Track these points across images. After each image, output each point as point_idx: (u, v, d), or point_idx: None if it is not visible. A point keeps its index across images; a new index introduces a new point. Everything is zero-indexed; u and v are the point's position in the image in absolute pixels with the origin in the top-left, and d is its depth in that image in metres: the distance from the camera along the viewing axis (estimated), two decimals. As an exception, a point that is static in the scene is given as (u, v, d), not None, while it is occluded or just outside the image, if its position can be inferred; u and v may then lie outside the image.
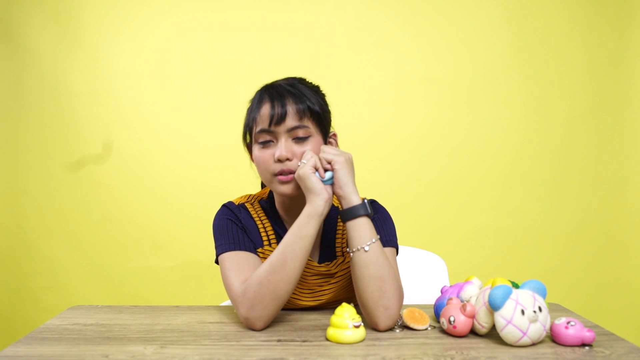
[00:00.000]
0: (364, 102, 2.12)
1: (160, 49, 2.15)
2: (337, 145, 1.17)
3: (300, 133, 1.07)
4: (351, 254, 1.02)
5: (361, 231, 1.01)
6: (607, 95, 2.20)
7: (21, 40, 2.13)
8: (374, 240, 1.01)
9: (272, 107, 1.06)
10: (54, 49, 2.13)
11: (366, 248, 1.00)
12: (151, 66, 2.15)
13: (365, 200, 1.03)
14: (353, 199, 1.02)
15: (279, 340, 0.96)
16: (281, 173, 1.06)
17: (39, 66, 2.13)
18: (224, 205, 1.20)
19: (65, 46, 2.13)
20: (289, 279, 1.01)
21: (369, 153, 2.12)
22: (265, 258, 1.15)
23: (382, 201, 1.24)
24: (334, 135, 1.17)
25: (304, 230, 1.01)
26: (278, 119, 1.05)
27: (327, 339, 0.96)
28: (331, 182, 1.04)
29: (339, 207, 1.03)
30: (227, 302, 1.35)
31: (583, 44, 2.18)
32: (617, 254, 2.23)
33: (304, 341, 0.96)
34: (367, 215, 1.03)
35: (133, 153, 2.16)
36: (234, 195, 1.24)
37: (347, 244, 1.03)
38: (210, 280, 2.05)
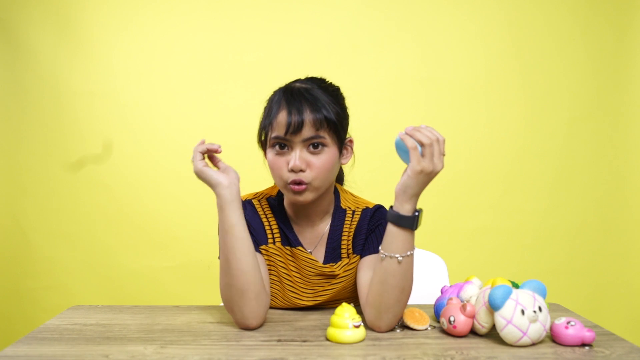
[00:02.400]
0: (364, 102, 2.12)
1: (160, 49, 2.15)
2: (352, 151, 1.17)
3: (316, 142, 1.06)
4: (382, 256, 0.99)
5: (400, 241, 0.97)
6: (607, 95, 2.20)
7: (21, 40, 2.13)
8: (409, 253, 0.98)
9: (289, 114, 1.04)
10: (54, 49, 2.13)
11: (399, 259, 0.97)
12: (151, 66, 2.15)
13: (417, 213, 0.97)
14: (409, 208, 0.96)
15: (279, 340, 0.96)
16: (294, 183, 1.06)
17: (39, 66, 2.13)
18: None
19: (65, 46, 2.13)
20: (243, 272, 1.00)
21: (368, 153, 2.10)
22: (268, 255, 1.15)
23: (382, 201, 1.24)
24: (350, 141, 1.16)
25: (226, 223, 1.00)
26: (295, 129, 1.03)
27: (327, 339, 0.96)
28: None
29: (386, 206, 1.00)
30: (227, 302, 1.35)
31: (583, 44, 2.18)
32: (617, 254, 2.23)
33: (304, 341, 0.96)
34: (414, 229, 0.98)
35: (133, 153, 2.16)
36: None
37: (381, 243, 1.00)
38: (210, 280, 2.04)
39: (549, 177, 2.21)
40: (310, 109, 1.05)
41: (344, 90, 1.17)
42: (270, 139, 1.08)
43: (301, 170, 1.05)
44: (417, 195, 0.96)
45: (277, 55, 2.15)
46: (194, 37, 2.15)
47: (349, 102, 1.18)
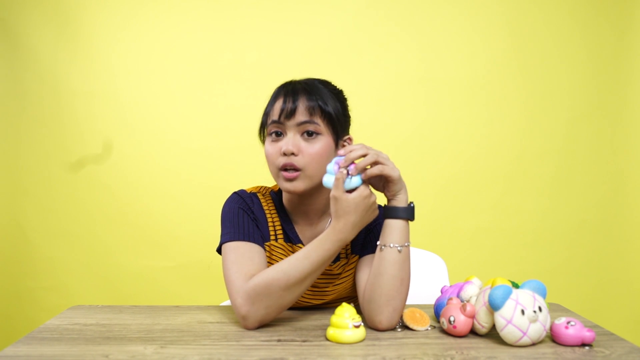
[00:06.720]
0: (364, 102, 2.12)
1: (160, 48, 2.15)
2: None
3: (310, 128, 1.07)
4: (382, 248, 1.02)
5: (400, 232, 1.02)
6: (607, 95, 2.20)
7: (21, 40, 2.13)
8: (406, 244, 1.02)
9: (285, 101, 1.07)
10: (54, 49, 2.13)
11: (399, 248, 1.01)
12: (151, 66, 2.15)
13: (412, 204, 1.04)
14: (403, 199, 1.03)
15: (279, 340, 0.96)
16: (285, 167, 1.06)
17: (39, 66, 2.13)
18: (235, 193, 1.18)
19: (65, 46, 2.13)
20: (298, 296, 1.02)
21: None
22: (271, 253, 1.15)
23: (382, 201, 1.24)
24: (350, 139, 1.16)
25: (328, 255, 1.00)
26: (288, 113, 1.06)
27: (327, 339, 0.96)
28: (358, 186, 1.00)
29: (385, 202, 1.05)
30: (227, 302, 1.35)
31: (583, 44, 2.18)
32: (617, 253, 2.23)
33: (304, 341, 0.96)
34: (413, 219, 1.04)
35: (133, 153, 2.16)
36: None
37: (379, 238, 1.04)
38: (210, 280, 2.05)
39: (548, 177, 2.21)
40: (305, 97, 1.08)
41: (344, 91, 1.18)
42: (267, 127, 1.11)
43: (293, 154, 1.06)
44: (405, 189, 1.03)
45: (277, 55, 2.15)
46: (193, 37, 2.15)
47: (349, 102, 1.18)
